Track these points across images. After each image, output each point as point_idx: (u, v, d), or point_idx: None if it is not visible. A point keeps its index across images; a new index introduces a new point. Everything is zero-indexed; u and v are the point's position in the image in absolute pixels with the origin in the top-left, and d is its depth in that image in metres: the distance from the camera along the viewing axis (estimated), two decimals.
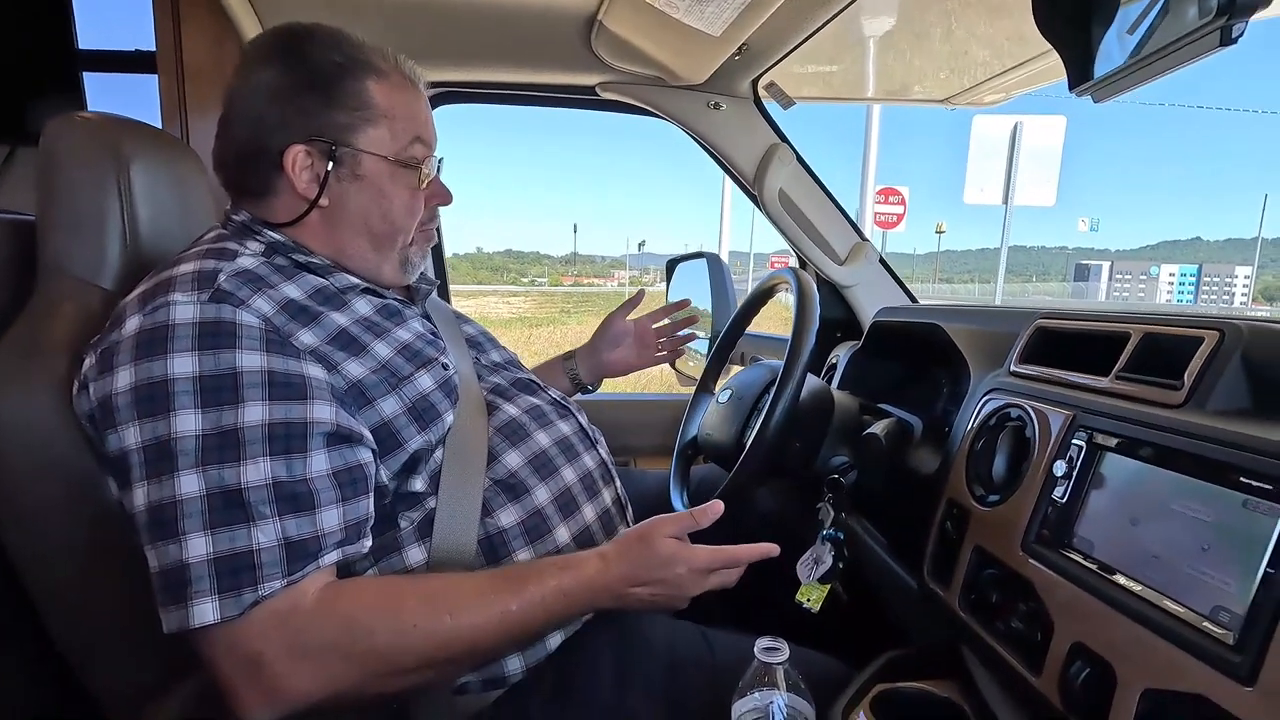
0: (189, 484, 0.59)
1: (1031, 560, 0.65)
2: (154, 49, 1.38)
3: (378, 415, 0.69)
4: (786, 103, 1.47)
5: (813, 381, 0.99)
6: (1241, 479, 0.49)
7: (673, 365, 1.44)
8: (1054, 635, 0.60)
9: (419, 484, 0.72)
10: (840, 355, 1.30)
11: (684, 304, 1.32)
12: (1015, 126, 6.86)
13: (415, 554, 0.71)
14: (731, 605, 1.04)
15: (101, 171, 0.75)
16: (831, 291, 1.54)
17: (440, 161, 0.82)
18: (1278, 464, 0.47)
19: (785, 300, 1.03)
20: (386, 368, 0.71)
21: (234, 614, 0.58)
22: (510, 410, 0.82)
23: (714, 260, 1.52)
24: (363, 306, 0.75)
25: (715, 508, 0.72)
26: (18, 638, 0.73)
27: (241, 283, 0.66)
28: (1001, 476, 0.75)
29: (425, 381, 0.74)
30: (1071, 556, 0.61)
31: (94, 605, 0.72)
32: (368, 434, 0.68)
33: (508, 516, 0.75)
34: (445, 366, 0.78)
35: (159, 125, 1.36)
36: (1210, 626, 0.48)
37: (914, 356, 1.16)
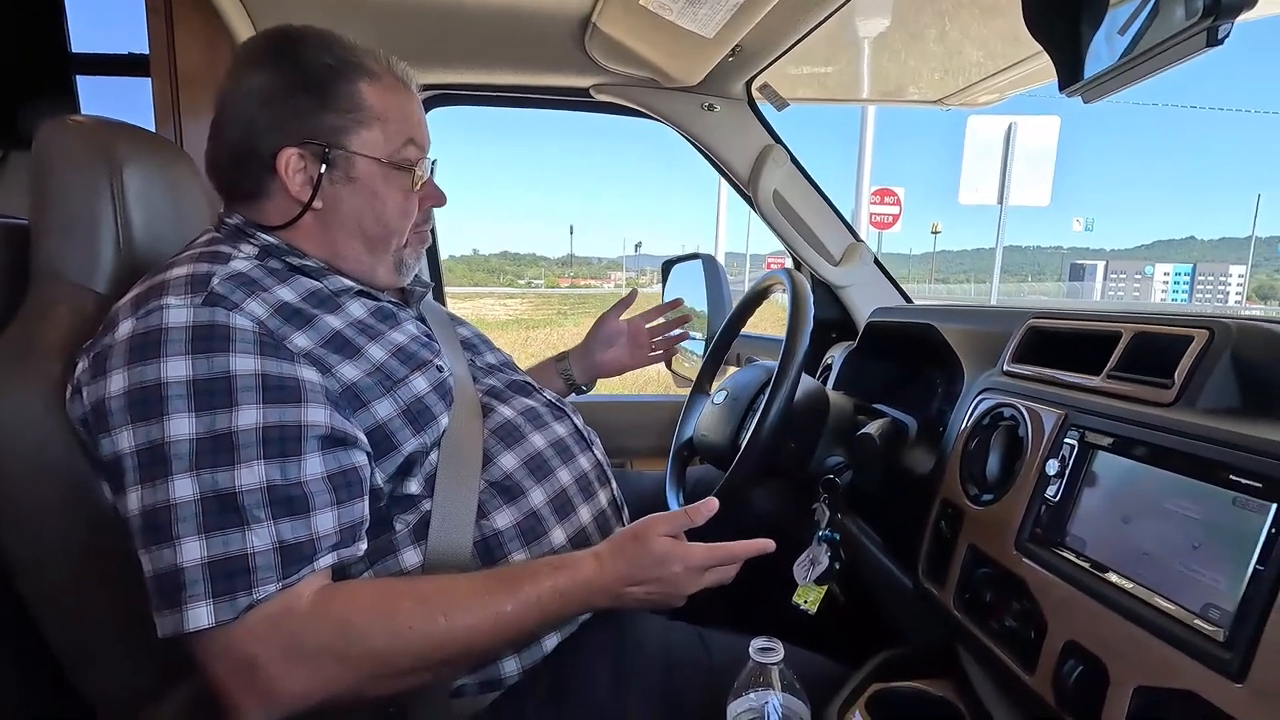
0: (183, 488, 0.59)
1: (1025, 559, 0.65)
2: (147, 52, 1.37)
3: (372, 418, 0.69)
4: (780, 104, 1.47)
5: (808, 382, 1.00)
6: (1231, 477, 0.49)
7: (668, 366, 1.44)
8: (1047, 633, 0.60)
9: (414, 486, 0.72)
10: (835, 356, 1.31)
11: (677, 303, 1.32)
12: (1010, 127, 6.89)
13: (411, 556, 0.71)
14: (727, 605, 1.04)
15: (95, 175, 0.75)
16: (826, 292, 1.54)
17: (434, 163, 0.82)
18: (1266, 462, 0.47)
19: (780, 301, 1.03)
20: (381, 370, 0.71)
21: (229, 618, 0.58)
22: (505, 412, 0.82)
23: (709, 261, 1.52)
24: (357, 309, 0.75)
25: (710, 505, 0.72)
26: (12, 641, 0.73)
27: (235, 286, 0.66)
28: (995, 476, 0.75)
29: (420, 384, 0.74)
30: (1064, 555, 0.61)
31: (88, 609, 0.72)
32: (362, 437, 0.68)
33: (503, 518, 0.75)
34: (440, 369, 0.78)
35: (152, 129, 1.35)
36: (1201, 624, 0.48)
37: (908, 356, 1.17)
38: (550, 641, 0.76)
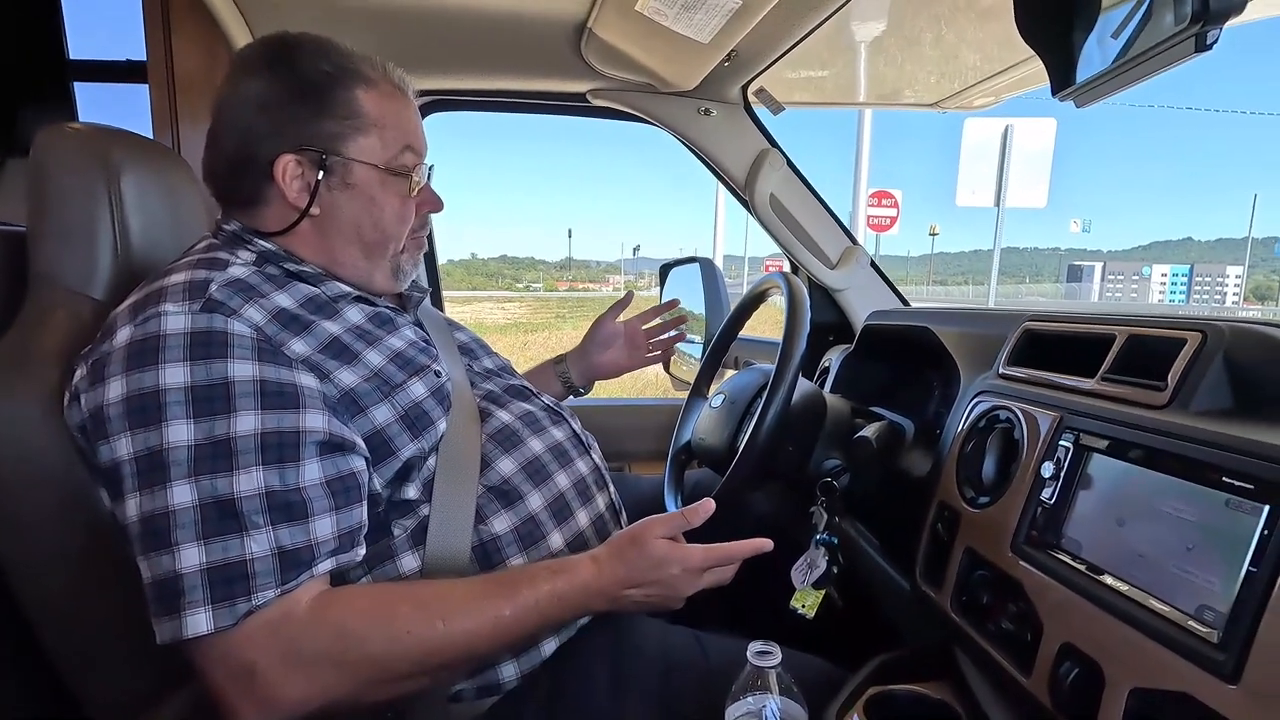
0: (182, 494, 0.59)
1: (1021, 561, 0.65)
2: (145, 59, 1.38)
3: (370, 423, 0.69)
4: (776, 108, 1.48)
5: (805, 385, 1.00)
6: (1224, 479, 0.49)
7: (666, 369, 1.44)
8: (1043, 636, 0.60)
9: (412, 492, 0.72)
10: (832, 359, 1.31)
11: (673, 304, 1.32)
12: (1006, 129, 6.91)
13: (409, 561, 0.71)
14: (725, 609, 1.04)
15: (92, 182, 0.75)
16: (823, 295, 1.54)
17: (431, 169, 0.82)
18: (1259, 463, 0.47)
19: (778, 304, 1.03)
20: (379, 376, 0.72)
21: (228, 624, 0.58)
22: (503, 417, 0.82)
23: (707, 265, 1.53)
24: (354, 315, 0.75)
25: (706, 506, 0.72)
26: (10, 648, 0.73)
27: (233, 292, 0.67)
28: (991, 478, 0.75)
29: (418, 389, 0.74)
30: (1060, 557, 0.61)
31: (86, 615, 0.72)
32: (360, 442, 0.68)
33: (501, 523, 0.75)
34: (438, 374, 0.78)
35: (150, 135, 1.36)
36: (1195, 625, 0.48)
37: (905, 359, 1.17)
38: (548, 646, 0.76)
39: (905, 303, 1.53)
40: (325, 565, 0.63)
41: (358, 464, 0.68)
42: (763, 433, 0.86)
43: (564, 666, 0.75)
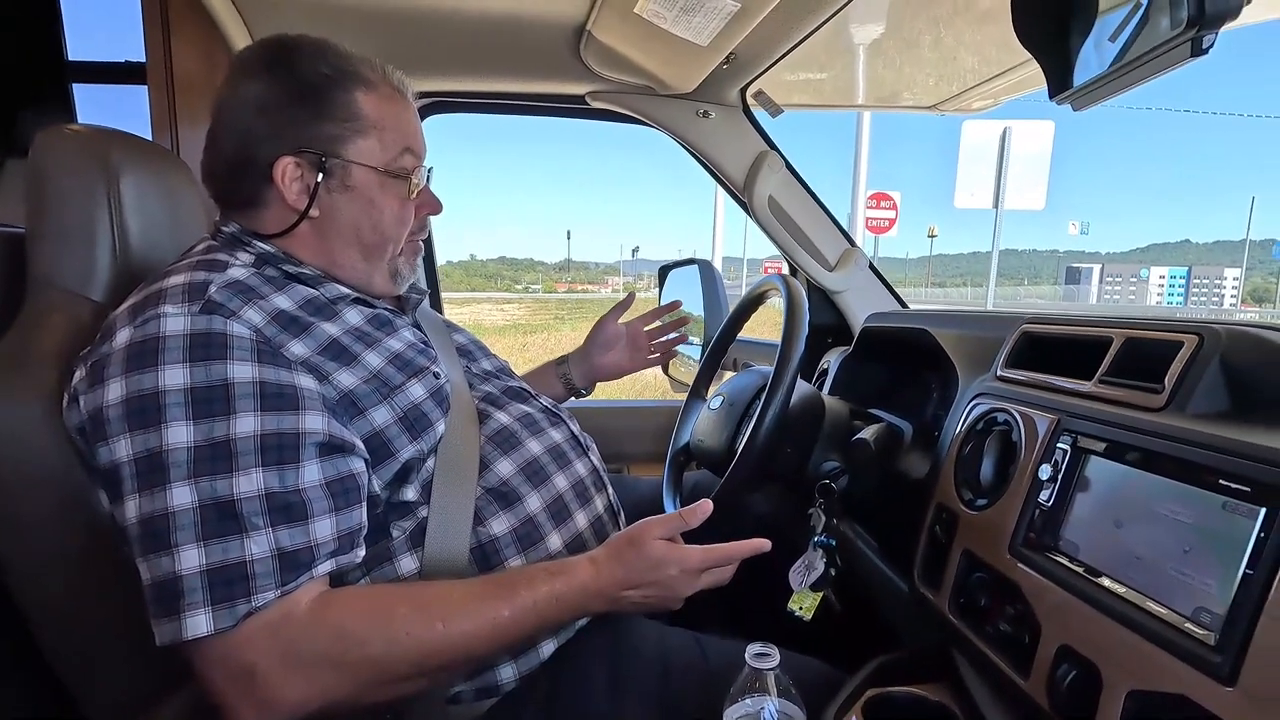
0: (181, 496, 0.59)
1: (1019, 564, 0.65)
2: (144, 60, 1.38)
3: (369, 425, 0.70)
4: (775, 111, 1.48)
5: (803, 387, 1.00)
6: (1220, 481, 0.49)
7: (665, 371, 1.44)
8: (1041, 638, 0.60)
9: (411, 493, 0.72)
10: (831, 361, 1.31)
11: (675, 305, 1.32)
12: (1004, 131, 6.92)
13: (408, 563, 0.71)
14: (724, 610, 1.04)
15: (91, 183, 0.75)
16: (822, 297, 1.55)
17: (430, 171, 0.82)
18: (1255, 466, 0.48)
19: (776, 306, 1.04)
20: (378, 377, 0.72)
21: (227, 625, 0.58)
22: (502, 418, 0.82)
23: (706, 266, 1.53)
24: (353, 316, 0.75)
25: (704, 507, 0.73)
26: (9, 649, 0.73)
27: (232, 294, 0.67)
28: (989, 480, 0.76)
29: (417, 391, 0.74)
30: (1058, 559, 0.61)
31: (86, 617, 0.72)
32: (360, 444, 0.68)
33: (500, 525, 0.75)
34: (436, 375, 0.78)
35: (149, 137, 1.36)
36: (1192, 627, 0.48)
37: (903, 361, 1.17)
38: (547, 648, 0.76)
39: (904, 305, 1.53)
40: (325, 566, 0.63)
41: (357, 465, 0.68)
42: (761, 434, 0.86)
43: (562, 668, 0.75)
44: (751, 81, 1.38)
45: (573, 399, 1.25)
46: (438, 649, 0.64)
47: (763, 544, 0.73)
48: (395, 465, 0.71)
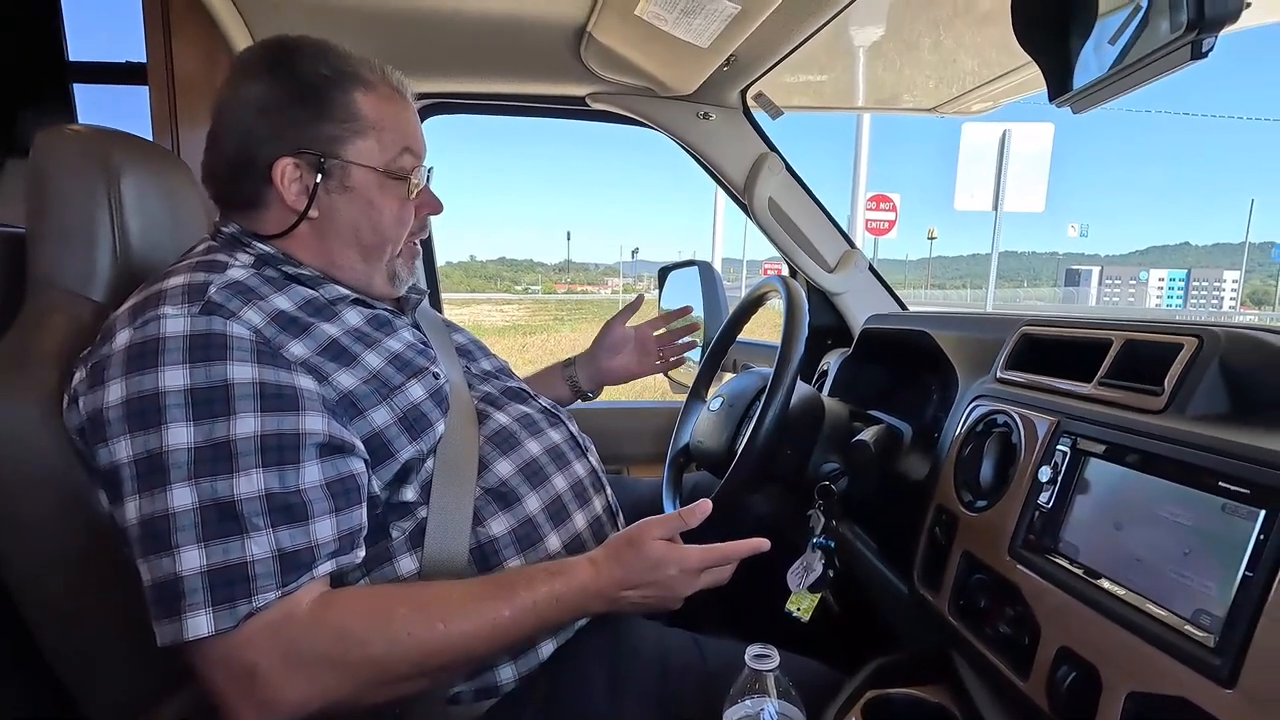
0: (182, 497, 0.59)
1: (1019, 565, 0.65)
2: (144, 61, 1.38)
3: (369, 425, 0.70)
4: (775, 112, 1.48)
5: (803, 389, 1.00)
6: (1220, 483, 0.49)
7: (665, 373, 1.44)
8: (1041, 639, 0.60)
9: (410, 494, 0.72)
10: (831, 362, 1.31)
11: (685, 311, 1.28)
12: (1004, 134, 6.92)
13: (407, 564, 0.71)
14: (723, 611, 1.04)
15: (92, 183, 0.75)
16: (821, 299, 1.55)
17: (430, 171, 0.82)
18: (1255, 468, 0.48)
19: (776, 307, 1.04)
20: (377, 378, 0.72)
21: (228, 626, 0.58)
22: (501, 419, 0.82)
23: (706, 268, 1.53)
24: (353, 317, 0.75)
25: (703, 506, 0.73)
26: (10, 649, 0.73)
27: (232, 295, 0.67)
28: (989, 482, 0.76)
29: (416, 391, 0.74)
30: (1057, 561, 0.62)
31: (86, 617, 0.72)
32: (360, 444, 0.68)
33: (499, 525, 0.75)
34: (436, 376, 0.78)
35: (149, 137, 1.36)
36: (1192, 629, 0.48)
37: (903, 363, 1.17)
38: (546, 648, 0.76)
39: (903, 306, 1.53)
40: (325, 567, 0.63)
41: (357, 466, 0.68)
42: (761, 436, 0.86)
43: (562, 669, 0.75)
44: (752, 83, 1.38)
45: (581, 402, 1.23)
46: (438, 649, 0.64)
47: (762, 543, 0.73)
48: (395, 466, 0.71)
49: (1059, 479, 0.64)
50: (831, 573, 0.90)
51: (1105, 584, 0.56)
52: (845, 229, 1.55)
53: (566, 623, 0.75)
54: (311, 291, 0.74)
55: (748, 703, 0.59)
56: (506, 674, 0.74)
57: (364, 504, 0.68)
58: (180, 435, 0.60)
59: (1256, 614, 0.44)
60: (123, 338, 0.63)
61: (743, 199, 1.51)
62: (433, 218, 0.87)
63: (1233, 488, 0.48)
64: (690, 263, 1.58)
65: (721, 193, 1.59)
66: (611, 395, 1.35)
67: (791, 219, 1.50)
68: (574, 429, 0.91)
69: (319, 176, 0.74)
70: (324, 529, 0.63)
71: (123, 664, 0.73)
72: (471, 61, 1.43)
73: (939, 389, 1.05)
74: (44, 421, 0.67)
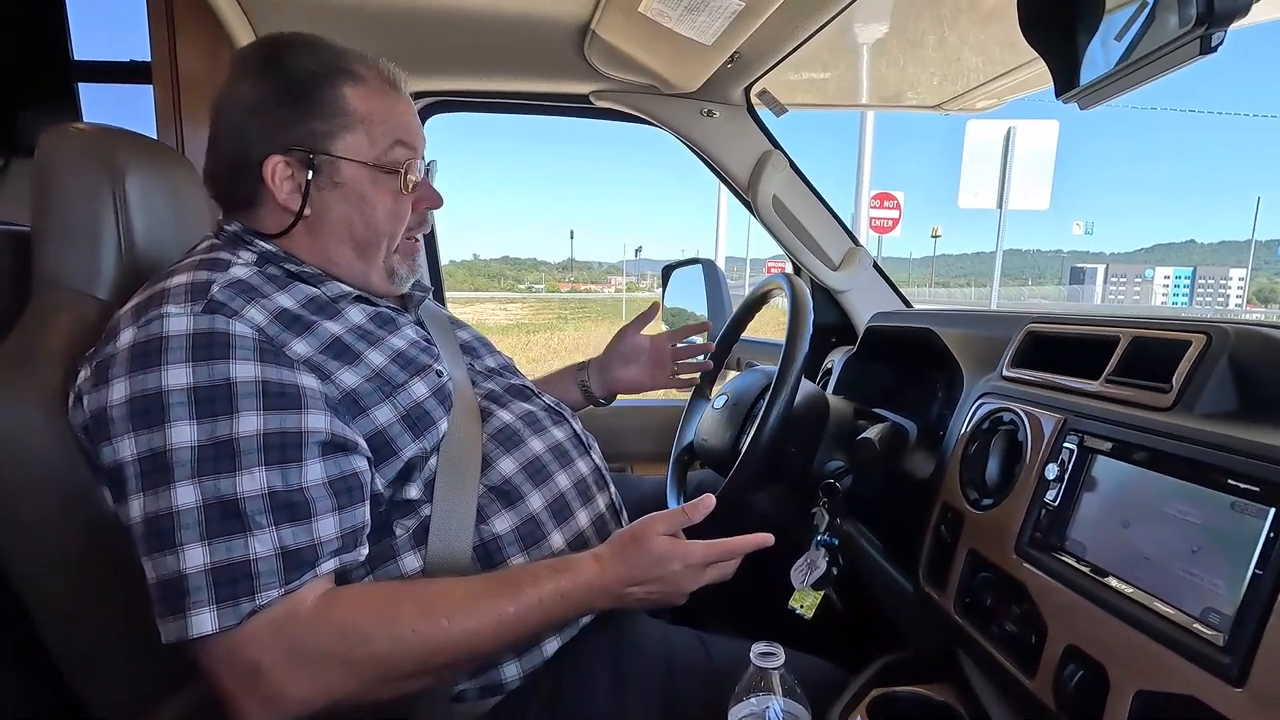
0: (185, 495, 0.59)
1: (1025, 563, 0.65)
2: (149, 59, 1.38)
3: (372, 423, 0.70)
4: (779, 110, 1.48)
5: (808, 387, 1.00)
6: (1229, 481, 0.49)
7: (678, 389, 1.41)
8: (1048, 638, 0.60)
9: (414, 491, 0.72)
10: (835, 360, 1.31)
11: (704, 326, 1.21)
12: (1008, 131, 6.90)
13: (411, 561, 0.71)
14: (727, 609, 1.04)
15: (96, 182, 0.76)
16: (826, 297, 1.54)
17: (432, 164, 0.82)
18: (1264, 466, 0.47)
19: (780, 306, 1.03)
20: (380, 376, 0.72)
21: (232, 623, 0.58)
22: (504, 416, 0.82)
23: (709, 266, 1.53)
24: (356, 315, 0.75)
25: (706, 502, 0.72)
26: (13, 647, 0.73)
27: (235, 293, 0.67)
28: (995, 480, 0.75)
29: (419, 389, 0.74)
30: (1064, 559, 0.61)
31: (89, 615, 0.72)
32: (362, 442, 0.68)
33: (502, 523, 0.75)
34: (439, 373, 0.78)
35: (154, 136, 1.36)
36: (1200, 628, 0.48)
37: (908, 361, 1.17)
38: (551, 646, 0.76)
39: (908, 304, 1.53)
40: (329, 565, 0.63)
41: (360, 464, 0.68)
42: (765, 434, 0.86)
43: (566, 666, 0.75)
44: (756, 80, 1.38)
45: (594, 407, 1.18)
46: (442, 646, 0.64)
47: (766, 538, 0.73)
48: (398, 464, 0.71)
49: (1066, 477, 0.64)
50: (835, 570, 0.89)
51: (1113, 582, 0.56)
52: (849, 227, 1.54)
53: (571, 619, 0.75)
54: (314, 289, 0.74)
55: (753, 700, 0.59)
56: (511, 671, 0.74)
57: (367, 502, 0.68)
58: (184, 434, 0.60)
59: (1266, 612, 0.44)
60: (126, 336, 0.63)
61: (747, 197, 1.51)
62: (437, 216, 0.87)
63: (1242, 485, 0.48)
64: (694, 261, 1.58)
65: (725, 191, 1.59)
66: None
67: (796, 217, 1.50)
68: (577, 427, 0.91)
69: (310, 174, 0.73)
70: (327, 527, 0.63)
71: (125, 662, 0.73)
72: (475, 59, 1.43)
73: (944, 387, 1.05)
74: (49, 420, 0.67)
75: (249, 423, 0.62)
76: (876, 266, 1.53)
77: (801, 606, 0.89)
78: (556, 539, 0.78)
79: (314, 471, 0.64)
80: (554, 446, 0.83)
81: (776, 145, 1.50)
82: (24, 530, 0.68)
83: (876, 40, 1.36)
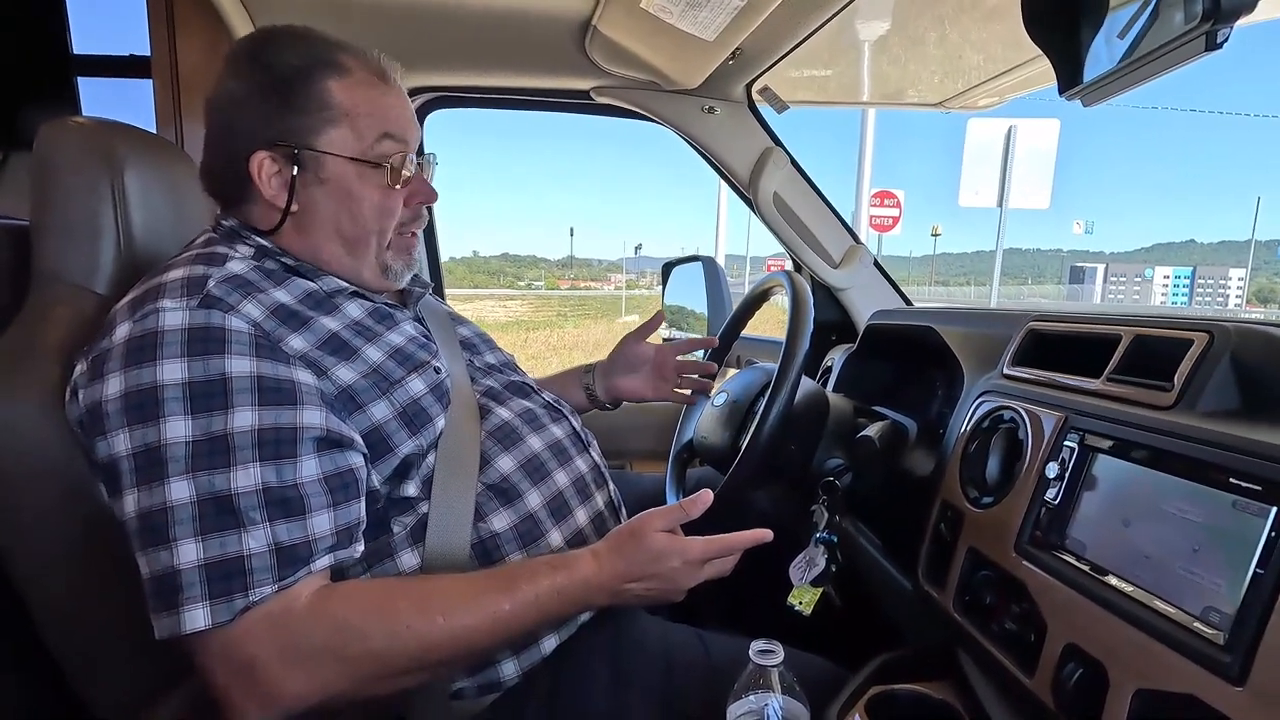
0: (179, 490, 0.59)
1: (1025, 562, 0.65)
2: (148, 53, 1.38)
3: (368, 420, 0.69)
4: (780, 107, 1.47)
5: (808, 384, 1.00)
6: (1231, 480, 0.49)
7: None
8: (1047, 636, 0.60)
9: (411, 489, 0.72)
10: (835, 358, 1.31)
11: (709, 342, 1.18)
12: (1009, 130, 6.89)
13: (408, 559, 0.71)
14: (727, 607, 1.04)
15: (96, 176, 0.75)
16: (826, 294, 1.54)
17: (429, 158, 0.81)
18: (1266, 465, 0.47)
19: (780, 303, 1.03)
20: (377, 372, 0.71)
21: (225, 619, 0.58)
22: (503, 414, 0.82)
23: (709, 263, 1.52)
24: (354, 310, 0.75)
25: (704, 497, 0.71)
26: (12, 642, 0.73)
27: (231, 288, 0.66)
28: (995, 478, 0.75)
29: (416, 385, 0.74)
30: (1064, 558, 0.61)
31: (88, 610, 0.72)
32: (358, 439, 0.68)
33: (500, 521, 0.75)
34: (437, 370, 0.77)
35: (154, 130, 1.36)
36: (1201, 627, 0.48)
37: (908, 359, 1.17)
38: (549, 643, 0.76)
39: (908, 302, 1.53)
40: (323, 561, 0.63)
41: (355, 460, 0.67)
42: (765, 432, 0.86)
43: (565, 664, 0.75)
44: (757, 77, 1.37)
45: (599, 411, 1.16)
46: (438, 643, 0.63)
47: (764, 534, 0.73)
48: (394, 461, 0.70)
49: (1066, 475, 0.64)
50: (834, 568, 0.89)
51: (1113, 581, 0.56)
52: (850, 225, 1.54)
53: (569, 616, 0.74)
54: (311, 284, 0.73)
55: (751, 698, 0.59)
56: (509, 669, 0.74)
57: (362, 498, 0.68)
58: (178, 429, 0.60)
59: (1267, 611, 0.44)
60: (122, 331, 0.63)
61: (747, 194, 1.51)
62: (437, 212, 0.86)
63: (1244, 484, 0.48)
64: (694, 258, 1.57)
65: (725, 188, 1.59)
66: None
67: (796, 214, 1.49)
68: (577, 424, 0.91)
69: (295, 169, 0.72)
70: (321, 523, 0.63)
71: (125, 658, 0.73)
72: (475, 55, 1.42)
73: (944, 385, 1.05)
74: (48, 415, 0.67)
75: (244, 418, 0.61)
76: (877, 264, 1.53)
77: (800, 603, 0.89)
78: (555, 537, 0.78)
79: (309, 467, 0.64)
80: (553, 444, 0.83)
81: (778, 142, 1.49)
82: (23, 525, 0.68)
83: (878, 37, 1.35)
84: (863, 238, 1.57)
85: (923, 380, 1.11)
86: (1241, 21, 0.52)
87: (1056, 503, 0.64)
